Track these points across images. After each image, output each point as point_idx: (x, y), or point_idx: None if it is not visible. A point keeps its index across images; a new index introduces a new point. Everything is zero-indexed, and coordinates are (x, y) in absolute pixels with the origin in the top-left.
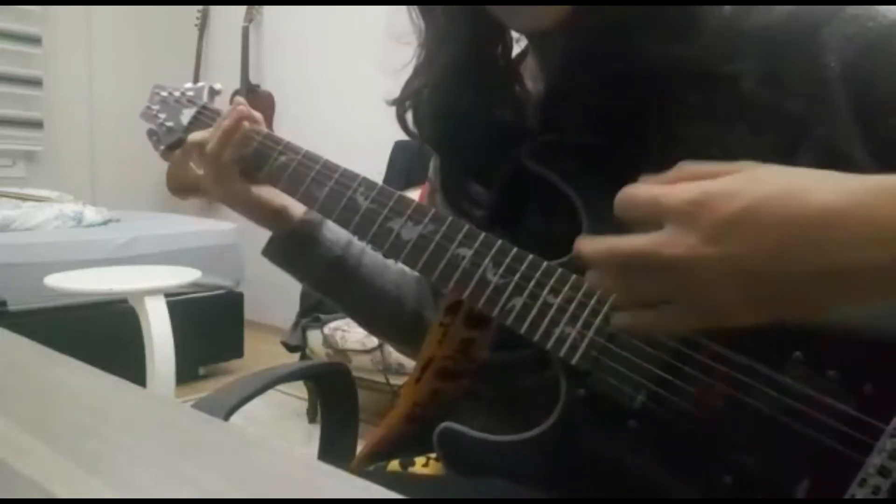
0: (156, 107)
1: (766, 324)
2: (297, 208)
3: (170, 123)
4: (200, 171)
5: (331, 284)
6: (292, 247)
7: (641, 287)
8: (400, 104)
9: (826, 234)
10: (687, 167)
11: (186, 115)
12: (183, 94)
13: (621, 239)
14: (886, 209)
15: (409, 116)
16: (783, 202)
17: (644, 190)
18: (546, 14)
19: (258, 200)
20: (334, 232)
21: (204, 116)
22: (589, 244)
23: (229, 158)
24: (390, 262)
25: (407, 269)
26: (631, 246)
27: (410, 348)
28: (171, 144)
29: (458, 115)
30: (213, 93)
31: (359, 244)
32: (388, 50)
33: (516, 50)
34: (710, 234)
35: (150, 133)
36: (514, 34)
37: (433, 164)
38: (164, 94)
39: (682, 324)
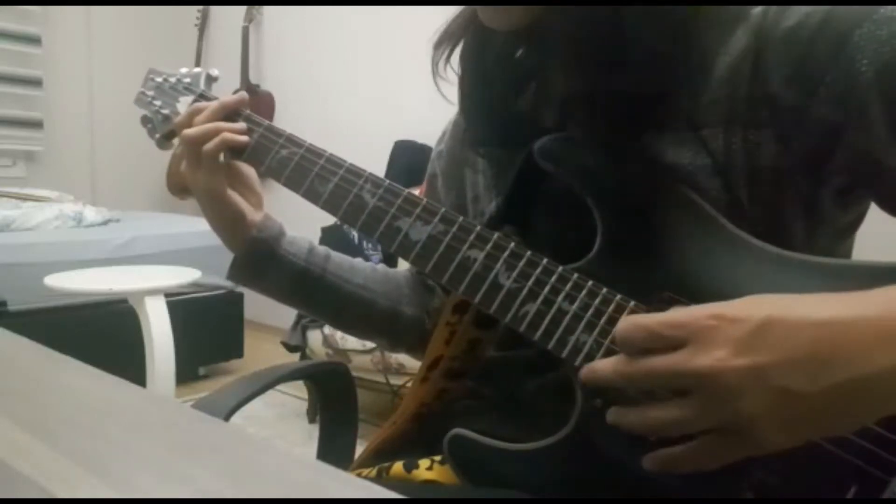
0: (151, 92)
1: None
2: (254, 217)
3: (166, 111)
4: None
5: (298, 296)
6: (254, 265)
7: (675, 408)
8: (438, 45)
9: (847, 342)
10: (680, 308)
11: (183, 104)
12: (179, 80)
13: (648, 361)
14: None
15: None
16: (801, 313)
17: (651, 317)
18: (516, 13)
19: (226, 199)
20: (294, 244)
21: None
22: (609, 366)
23: (213, 149)
24: (357, 262)
25: (375, 267)
26: (659, 365)
27: (393, 345)
28: (168, 133)
29: (490, 66)
30: (211, 79)
31: (321, 251)
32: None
33: None
34: (738, 345)
35: (145, 120)
36: None
37: (442, 133)
38: (160, 79)
39: (718, 449)
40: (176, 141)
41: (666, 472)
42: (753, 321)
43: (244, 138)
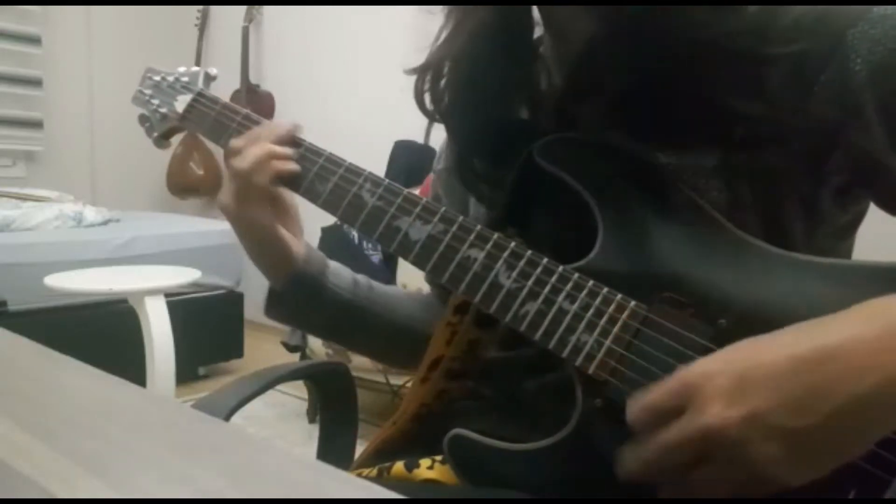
0: (148, 91)
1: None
2: (299, 249)
3: (163, 110)
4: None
5: (343, 330)
6: (303, 301)
7: (699, 480)
8: (420, 74)
9: (835, 369)
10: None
11: (182, 102)
12: (177, 79)
13: (658, 438)
14: (876, 331)
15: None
16: (781, 351)
17: (652, 394)
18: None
19: (276, 234)
20: (338, 276)
21: (201, 104)
22: (634, 459)
23: (265, 180)
24: (394, 290)
25: (411, 294)
26: (669, 437)
27: None
28: (165, 132)
29: (477, 88)
30: (209, 78)
31: (363, 281)
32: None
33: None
34: (730, 398)
35: (143, 119)
36: (536, 16)
37: (439, 153)
38: (157, 78)
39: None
40: (174, 140)
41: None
42: (737, 370)
43: (295, 166)
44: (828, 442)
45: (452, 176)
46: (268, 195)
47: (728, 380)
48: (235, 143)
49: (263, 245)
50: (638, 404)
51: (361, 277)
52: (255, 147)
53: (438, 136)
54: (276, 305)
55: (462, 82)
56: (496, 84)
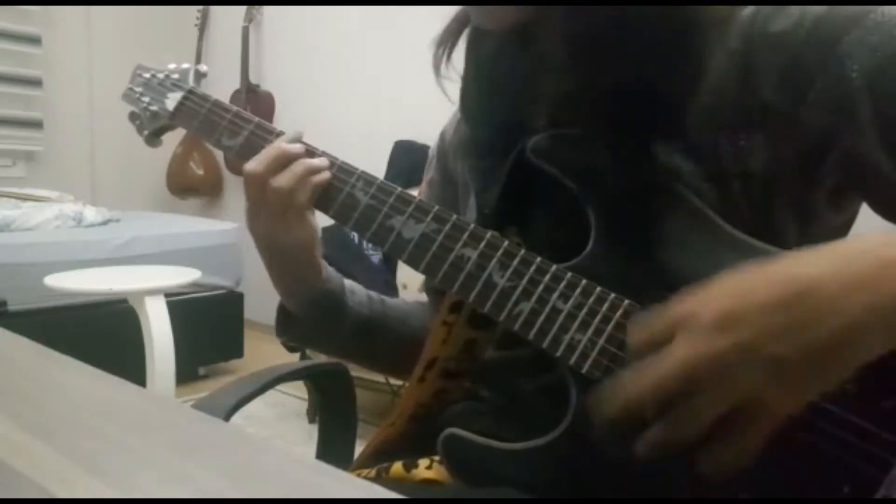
0: (138, 89)
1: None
2: (325, 269)
3: (154, 108)
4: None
5: (361, 346)
6: (325, 319)
7: (688, 410)
8: (439, 45)
9: (815, 298)
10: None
11: (172, 100)
12: (167, 76)
13: (653, 366)
14: (859, 264)
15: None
16: (765, 283)
17: (644, 322)
18: (509, 14)
19: (313, 255)
20: (355, 293)
21: (191, 102)
22: (621, 395)
23: (308, 197)
24: (404, 302)
25: (421, 303)
26: (662, 365)
27: None
28: (156, 130)
29: (485, 63)
30: (200, 75)
31: (375, 296)
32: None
33: None
34: (718, 327)
35: (133, 116)
36: None
37: (428, 163)
38: (147, 75)
39: (742, 426)
40: (174, 140)
41: (717, 469)
42: (726, 302)
43: (328, 175)
44: (814, 366)
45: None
46: (307, 213)
47: (717, 311)
48: (254, 167)
49: (299, 267)
50: (635, 329)
51: (372, 293)
52: (294, 166)
53: (435, 132)
54: (295, 326)
55: (470, 62)
56: (496, 71)
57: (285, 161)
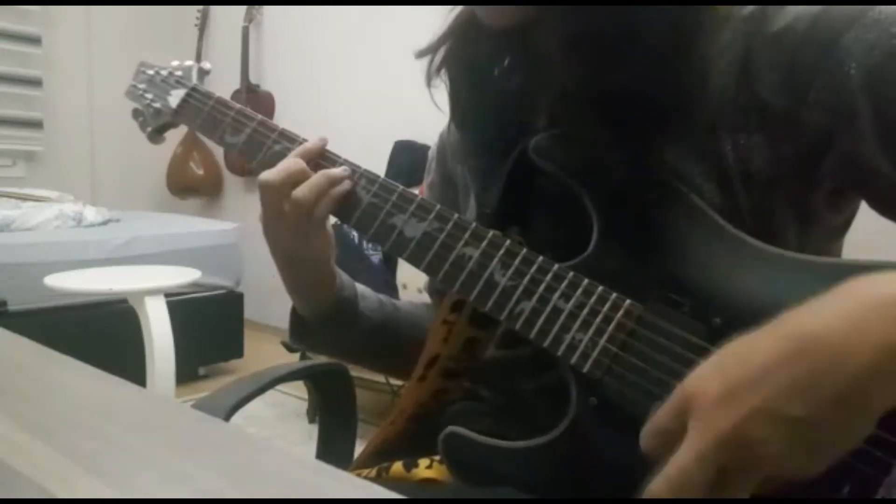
0: (142, 86)
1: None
2: (339, 279)
3: (157, 104)
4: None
5: (375, 350)
6: (340, 326)
7: (725, 493)
8: (429, 53)
9: (817, 354)
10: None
11: (175, 97)
12: (171, 73)
13: (673, 463)
14: (855, 309)
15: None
16: (763, 344)
17: (653, 420)
18: (516, 10)
19: (331, 264)
20: (366, 298)
21: (194, 99)
22: (661, 486)
23: (329, 209)
24: (413, 307)
25: (428, 304)
26: (681, 459)
27: None
28: (159, 127)
29: (477, 69)
30: (203, 73)
31: (386, 300)
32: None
33: None
34: (727, 401)
35: (136, 113)
36: None
37: (428, 166)
38: (151, 72)
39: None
40: (174, 139)
41: None
42: (729, 372)
43: (349, 184)
44: (834, 422)
45: (444, 181)
46: (325, 223)
47: (719, 384)
48: (270, 177)
49: (316, 276)
50: (646, 431)
51: (382, 296)
52: (315, 177)
53: (434, 132)
54: (311, 334)
55: (465, 61)
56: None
57: (306, 173)
